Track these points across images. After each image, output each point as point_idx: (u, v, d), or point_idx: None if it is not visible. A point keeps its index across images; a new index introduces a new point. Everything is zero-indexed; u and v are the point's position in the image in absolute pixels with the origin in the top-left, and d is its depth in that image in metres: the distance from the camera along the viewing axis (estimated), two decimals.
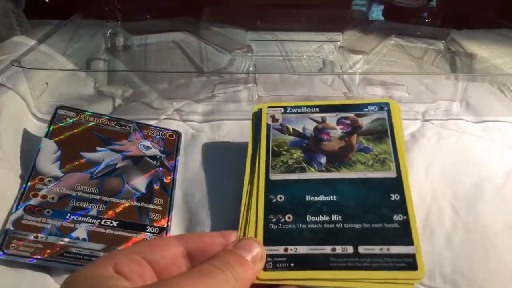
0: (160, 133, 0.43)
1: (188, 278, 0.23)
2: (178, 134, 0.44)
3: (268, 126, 0.38)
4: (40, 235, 0.32)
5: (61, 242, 0.32)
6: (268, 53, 0.60)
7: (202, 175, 0.41)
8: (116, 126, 0.41)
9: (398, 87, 0.50)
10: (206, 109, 0.49)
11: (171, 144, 0.43)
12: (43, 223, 0.33)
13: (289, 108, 0.39)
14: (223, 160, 0.42)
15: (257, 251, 0.27)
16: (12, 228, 0.32)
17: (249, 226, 0.31)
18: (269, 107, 0.39)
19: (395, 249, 0.29)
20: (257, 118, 0.39)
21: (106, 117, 0.42)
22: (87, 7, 0.62)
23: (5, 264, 0.31)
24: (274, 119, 0.38)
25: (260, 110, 0.39)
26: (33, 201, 0.34)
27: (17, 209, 0.33)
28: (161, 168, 0.40)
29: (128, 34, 0.62)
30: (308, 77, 0.54)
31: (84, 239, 0.33)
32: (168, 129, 0.44)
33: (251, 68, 0.54)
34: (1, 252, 0.31)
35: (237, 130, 0.45)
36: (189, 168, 0.42)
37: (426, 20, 0.70)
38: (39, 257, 0.31)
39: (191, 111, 0.48)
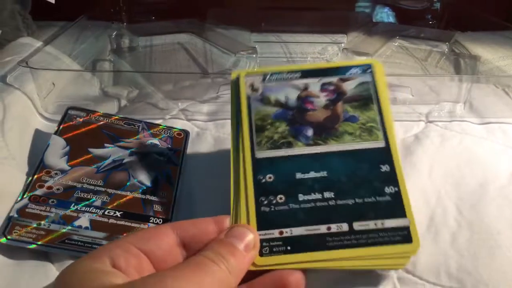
0: (169, 131, 0.43)
1: (181, 271, 0.23)
2: (186, 133, 0.44)
3: (248, 97, 0.35)
4: (43, 223, 0.33)
5: (63, 230, 0.33)
6: (272, 54, 0.60)
7: (206, 172, 0.41)
8: (125, 125, 0.42)
9: (402, 88, 0.50)
10: (211, 109, 0.49)
11: (179, 142, 0.43)
12: (46, 212, 0.34)
13: (269, 74, 0.35)
14: (227, 157, 0.42)
15: (250, 238, 0.27)
16: (16, 215, 0.33)
17: (240, 210, 0.30)
18: (247, 74, 0.36)
19: (389, 223, 0.29)
20: (236, 87, 0.35)
21: (116, 116, 0.42)
22: (93, 9, 0.63)
23: (7, 253, 0.32)
24: (253, 89, 0.35)
25: (238, 78, 0.36)
26: (39, 191, 0.35)
27: (22, 198, 0.34)
28: (167, 163, 0.40)
29: (133, 35, 0.62)
30: None
31: (86, 228, 0.33)
32: (176, 128, 0.44)
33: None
34: (4, 238, 0.31)
35: None
36: (194, 164, 0.42)
37: (430, 22, 0.71)
38: (40, 242, 0.32)
39: (196, 111, 0.49)
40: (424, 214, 0.36)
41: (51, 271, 0.32)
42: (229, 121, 0.47)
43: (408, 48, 0.61)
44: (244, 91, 0.35)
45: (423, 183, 0.39)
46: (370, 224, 0.29)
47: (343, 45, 0.61)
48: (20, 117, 0.43)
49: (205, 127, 0.46)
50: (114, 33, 0.63)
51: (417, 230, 0.29)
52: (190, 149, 0.43)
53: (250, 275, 0.27)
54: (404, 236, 0.28)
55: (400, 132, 0.45)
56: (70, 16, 0.60)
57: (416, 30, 0.65)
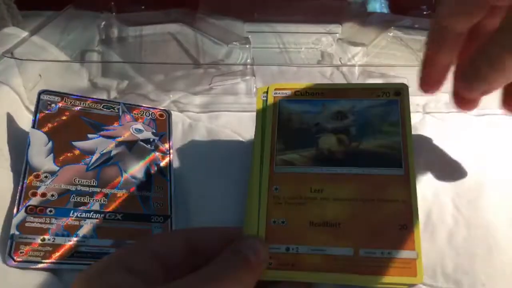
0: (150, 113, 0.42)
1: (195, 281, 0.23)
2: (168, 113, 0.43)
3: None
4: (47, 237, 0.31)
5: (70, 242, 0.32)
6: (265, 45, 0.59)
7: (200, 164, 0.40)
8: (104, 109, 0.40)
9: (398, 79, 0.50)
10: (203, 101, 0.48)
11: (162, 124, 0.42)
12: (47, 224, 0.32)
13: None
14: (221, 149, 0.41)
15: (261, 250, 0.27)
16: (17, 232, 0.31)
17: (252, 221, 0.30)
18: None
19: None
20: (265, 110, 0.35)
21: (92, 99, 0.40)
22: None
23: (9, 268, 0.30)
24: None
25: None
26: (33, 201, 0.33)
27: (18, 211, 0.32)
28: (156, 152, 0.39)
29: (123, 25, 0.60)
30: (307, 69, 0.54)
31: (92, 236, 0.32)
32: (156, 108, 0.43)
33: (248, 60, 0.53)
34: (11, 259, 0.30)
35: (235, 121, 0.45)
36: (187, 156, 0.41)
37: (425, 13, 0.70)
38: (50, 260, 0.31)
39: (188, 102, 0.48)
40: (421, 211, 0.35)
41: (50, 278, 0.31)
42: (223, 113, 0.47)
43: (403, 39, 0.60)
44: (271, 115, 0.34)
45: (420, 178, 0.38)
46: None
47: (337, 35, 0.60)
48: (6, 112, 0.41)
49: (198, 119, 0.46)
50: (103, 23, 0.61)
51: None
52: (183, 140, 0.43)
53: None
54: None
55: None
56: (57, 5, 0.58)
57: (410, 21, 0.64)
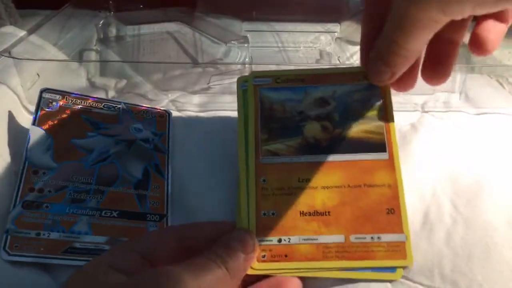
0: (151, 113, 0.42)
1: (183, 270, 0.23)
2: (168, 113, 0.43)
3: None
4: (42, 232, 0.31)
5: (64, 238, 0.32)
6: (264, 44, 0.59)
7: (197, 163, 0.40)
8: (105, 108, 0.40)
9: None
10: (202, 100, 0.48)
11: (162, 124, 0.42)
12: (43, 219, 0.32)
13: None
14: (219, 148, 0.41)
15: (249, 242, 0.27)
16: (13, 227, 0.31)
17: (242, 215, 0.30)
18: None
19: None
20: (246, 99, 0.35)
21: (93, 98, 0.40)
22: None
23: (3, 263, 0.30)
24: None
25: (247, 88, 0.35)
26: (30, 196, 0.33)
27: (15, 206, 0.32)
28: (155, 151, 0.39)
29: (121, 24, 0.60)
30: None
31: (86, 233, 0.32)
32: (157, 108, 0.43)
33: (247, 59, 0.53)
34: (5, 253, 0.30)
35: (233, 120, 0.44)
36: (185, 155, 0.41)
37: None
38: (44, 255, 0.31)
39: (187, 101, 0.48)
40: (419, 210, 0.36)
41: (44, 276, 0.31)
42: (221, 112, 0.47)
43: None
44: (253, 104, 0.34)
45: (418, 177, 0.38)
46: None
47: (336, 34, 0.60)
48: (4, 112, 0.41)
49: (196, 118, 0.45)
50: (101, 22, 0.61)
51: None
52: (181, 140, 0.42)
53: (249, 279, 0.27)
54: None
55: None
56: (55, 4, 0.58)
57: None
